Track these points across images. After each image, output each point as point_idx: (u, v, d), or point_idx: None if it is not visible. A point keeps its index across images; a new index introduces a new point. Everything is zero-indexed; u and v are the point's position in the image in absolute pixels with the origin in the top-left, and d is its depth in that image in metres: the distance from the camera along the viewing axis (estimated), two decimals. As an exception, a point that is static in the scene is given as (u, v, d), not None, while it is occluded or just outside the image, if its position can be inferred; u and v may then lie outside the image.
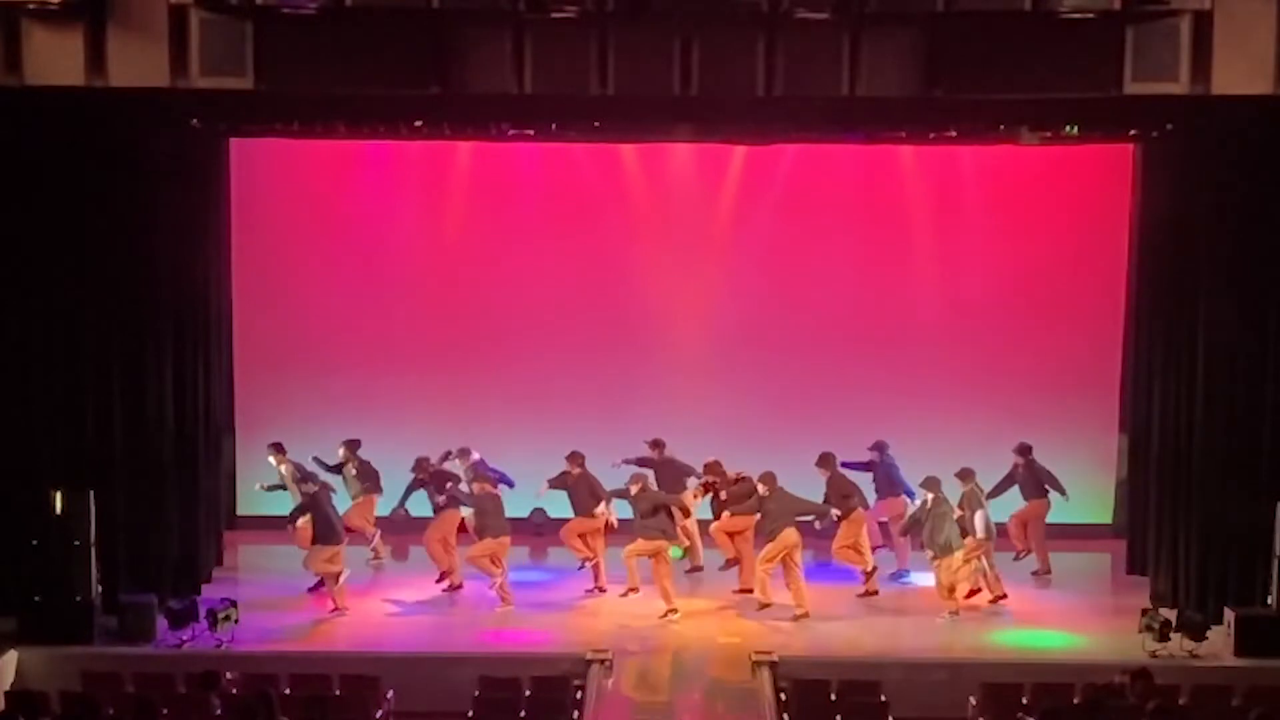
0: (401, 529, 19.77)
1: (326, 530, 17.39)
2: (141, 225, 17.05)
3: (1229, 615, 16.28)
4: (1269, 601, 16.51)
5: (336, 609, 17.23)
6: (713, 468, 18.30)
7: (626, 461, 18.37)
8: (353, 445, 19.25)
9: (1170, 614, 16.55)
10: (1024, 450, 18.83)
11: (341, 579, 17.35)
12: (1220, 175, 16.96)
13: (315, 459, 18.93)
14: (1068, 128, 17.66)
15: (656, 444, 18.81)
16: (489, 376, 20.32)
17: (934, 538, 17.28)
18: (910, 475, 18.57)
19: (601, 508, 18.02)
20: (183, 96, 15.51)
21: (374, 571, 19.05)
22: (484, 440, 19.48)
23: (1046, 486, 18.83)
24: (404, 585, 18.36)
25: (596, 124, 17.75)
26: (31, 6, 14.94)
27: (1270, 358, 16.92)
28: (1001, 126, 17.74)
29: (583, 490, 18.15)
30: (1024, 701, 14.09)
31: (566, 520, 18.44)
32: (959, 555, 17.31)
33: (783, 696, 14.64)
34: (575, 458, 18.27)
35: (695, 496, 18.59)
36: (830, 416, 20.21)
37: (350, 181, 20.35)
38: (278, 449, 18.84)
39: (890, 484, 18.90)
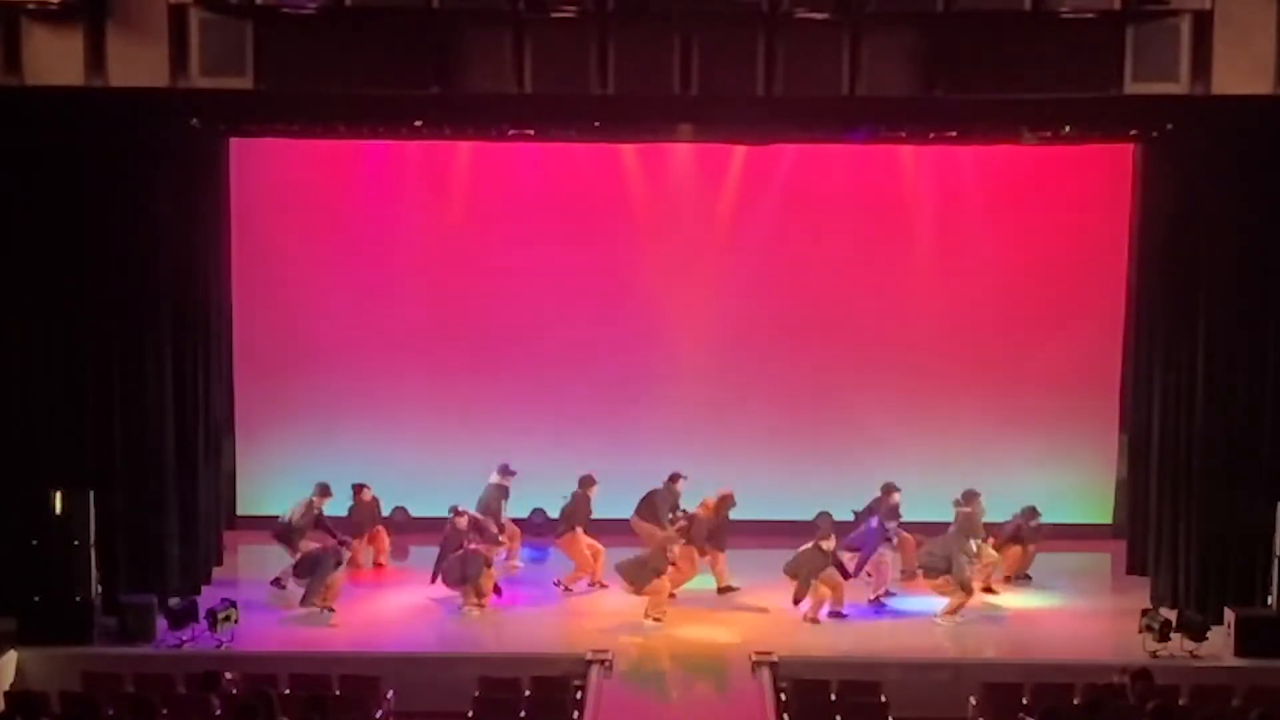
0: (402, 528, 19.80)
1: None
2: (141, 225, 17.05)
3: (1229, 615, 16.29)
4: (1269, 601, 16.51)
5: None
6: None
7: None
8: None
9: (1170, 614, 16.56)
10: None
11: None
12: (1220, 175, 16.96)
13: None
14: (1067, 128, 17.66)
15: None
16: (488, 375, 20.30)
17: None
18: (908, 475, 18.59)
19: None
20: (183, 96, 15.52)
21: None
22: (483, 439, 19.52)
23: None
24: (404, 585, 18.34)
25: (596, 124, 17.75)
26: (31, 6, 14.95)
27: (1270, 358, 16.93)
28: (1001, 126, 17.73)
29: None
30: (1024, 701, 14.09)
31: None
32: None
33: (783, 696, 14.64)
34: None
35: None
36: (829, 415, 20.22)
37: (350, 181, 20.33)
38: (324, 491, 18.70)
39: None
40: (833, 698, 14.21)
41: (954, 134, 18.20)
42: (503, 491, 18.84)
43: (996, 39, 14.97)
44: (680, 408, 20.08)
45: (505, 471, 18.85)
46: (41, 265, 16.68)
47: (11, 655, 15.70)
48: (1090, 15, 14.68)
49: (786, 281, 20.37)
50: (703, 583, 18.34)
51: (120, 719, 13.14)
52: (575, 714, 14.26)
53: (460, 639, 16.84)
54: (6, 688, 14.91)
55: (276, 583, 18.18)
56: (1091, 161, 19.71)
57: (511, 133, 18.34)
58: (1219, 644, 16.17)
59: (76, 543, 16.26)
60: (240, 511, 20.35)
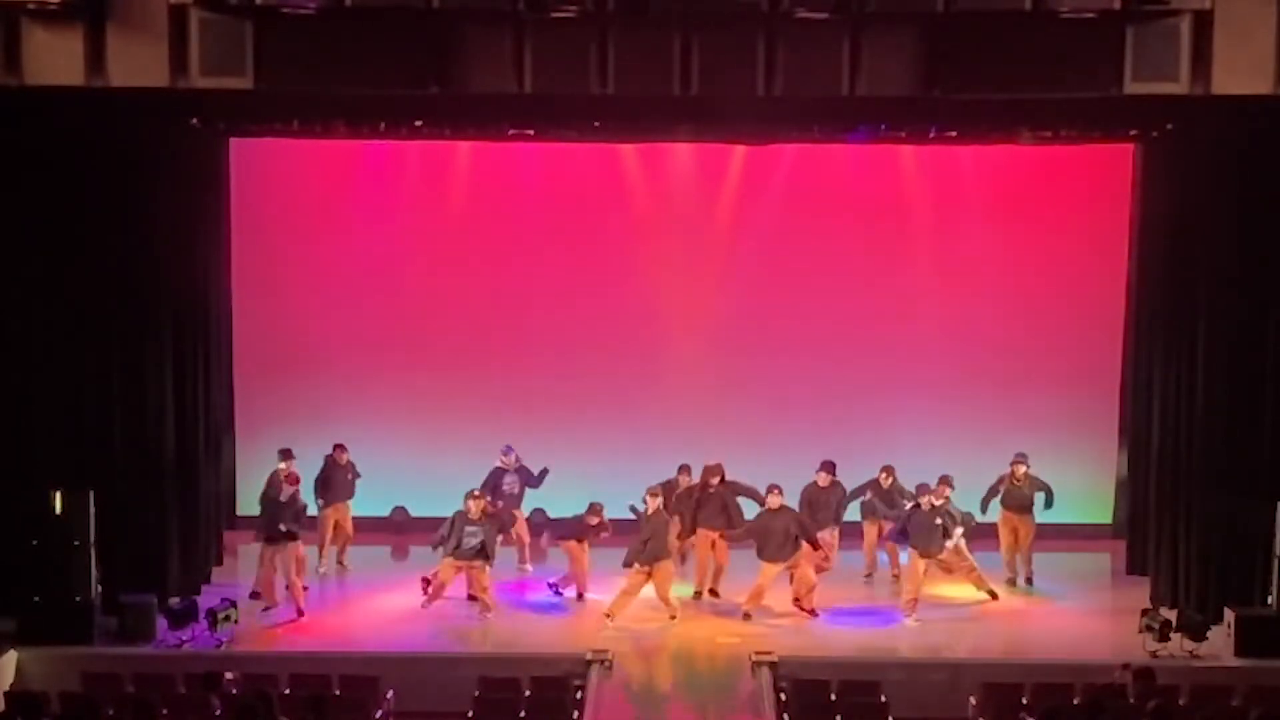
0: (402, 528, 19.80)
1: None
2: (141, 225, 17.07)
3: (1229, 615, 16.28)
4: (1269, 601, 16.51)
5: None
6: (714, 469, 18.26)
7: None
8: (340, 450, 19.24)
9: (1170, 614, 16.57)
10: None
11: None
12: (1220, 175, 16.97)
13: None
14: (1066, 128, 17.66)
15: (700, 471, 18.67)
16: (488, 375, 20.32)
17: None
18: (907, 475, 18.57)
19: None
20: (183, 96, 15.51)
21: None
22: (482, 440, 19.50)
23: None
24: (404, 585, 18.31)
25: (596, 124, 17.76)
26: (31, 6, 14.93)
27: (1270, 358, 16.92)
28: (1001, 126, 17.74)
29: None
30: (1024, 701, 14.09)
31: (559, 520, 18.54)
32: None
33: (783, 696, 14.64)
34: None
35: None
36: (829, 416, 20.21)
37: (350, 181, 20.35)
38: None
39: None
40: (833, 698, 14.20)
41: (954, 134, 18.22)
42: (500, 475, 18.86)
43: (996, 39, 14.95)
44: (680, 407, 20.08)
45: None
46: (42, 265, 16.68)
47: (11, 655, 15.69)
48: (1090, 15, 14.67)
49: (786, 281, 20.38)
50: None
51: (120, 719, 13.13)
52: (575, 714, 14.25)
53: (460, 639, 16.84)
54: (6, 688, 14.90)
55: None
56: (1091, 161, 19.72)
57: (511, 133, 18.36)
58: (1219, 644, 16.16)
59: (76, 543, 16.25)
60: (240, 511, 20.32)
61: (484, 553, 17.21)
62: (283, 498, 17.46)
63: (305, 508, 17.79)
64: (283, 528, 17.31)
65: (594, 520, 17.88)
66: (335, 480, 19.10)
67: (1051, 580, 18.86)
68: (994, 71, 15.02)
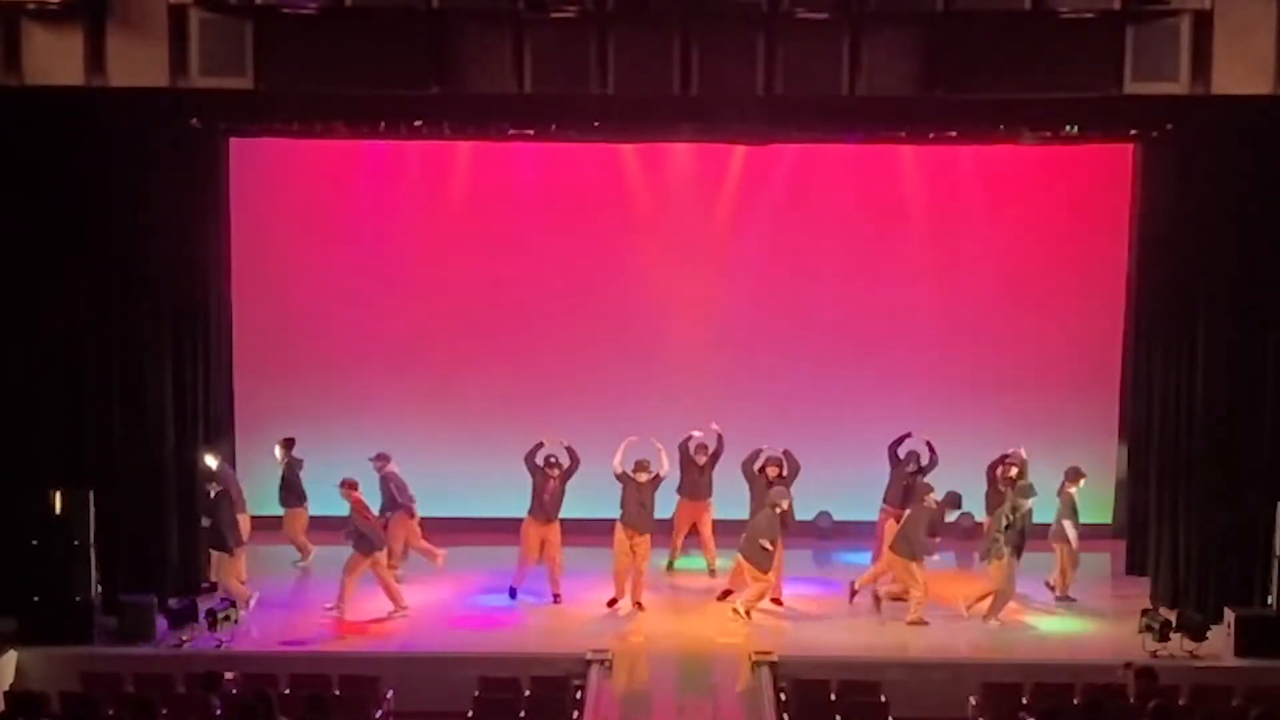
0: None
1: (217, 539, 17.39)
2: (141, 225, 17.05)
3: (1229, 615, 16.28)
4: (1269, 601, 16.52)
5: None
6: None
7: None
8: (288, 445, 19.27)
9: (1170, 614, 16.57)
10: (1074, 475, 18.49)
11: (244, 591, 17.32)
12: (1220, 175, 16.95)
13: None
14: (1068, 128, 17.67)
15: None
16: (487, 375, 20.31)
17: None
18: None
19: None
20: (183, 96, 15.54)
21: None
22: (482, 439, 19.52)
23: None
24: (404, 585, 18.29)
25: (596, 124, 17.75)
26: (31, 6, 14.97)
27: (1270, 358, 16.92)
28: (1001, 126, 17.74)
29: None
30: (1024, 701, 14.10)
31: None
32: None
33: (783, 696, 14.65)
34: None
35: None
36: (829, 417, 20.19)
37: (350, 181, 20.35)
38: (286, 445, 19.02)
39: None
40: (833, 698, 14.21)
41: (954, 134, 18.20)
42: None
43: (996, 39, 14.98)
44: (680, 407, 20.03)
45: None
46: (41, 265, 16.68)
47: (11, 655, 15.70)
48: (1090, 15, 14.70)
49: (786, 281, 20.38)
50: (699, 580, 18.39)
51: (120, 719, 13.14)
52: (575, 714, 14.26)
53: (460, 639, 16.83)
54: (6, 688, 14.90)
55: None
56: (1091, 161, 19.71)
57: (511, 133, 18.35)
58: (1219, 644, 16.17)
59: (76, 543, 16.25)
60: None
61: (363, 544, 17.19)
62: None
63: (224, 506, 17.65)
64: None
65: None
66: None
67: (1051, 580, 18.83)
68: (994, 71, 15.05)
